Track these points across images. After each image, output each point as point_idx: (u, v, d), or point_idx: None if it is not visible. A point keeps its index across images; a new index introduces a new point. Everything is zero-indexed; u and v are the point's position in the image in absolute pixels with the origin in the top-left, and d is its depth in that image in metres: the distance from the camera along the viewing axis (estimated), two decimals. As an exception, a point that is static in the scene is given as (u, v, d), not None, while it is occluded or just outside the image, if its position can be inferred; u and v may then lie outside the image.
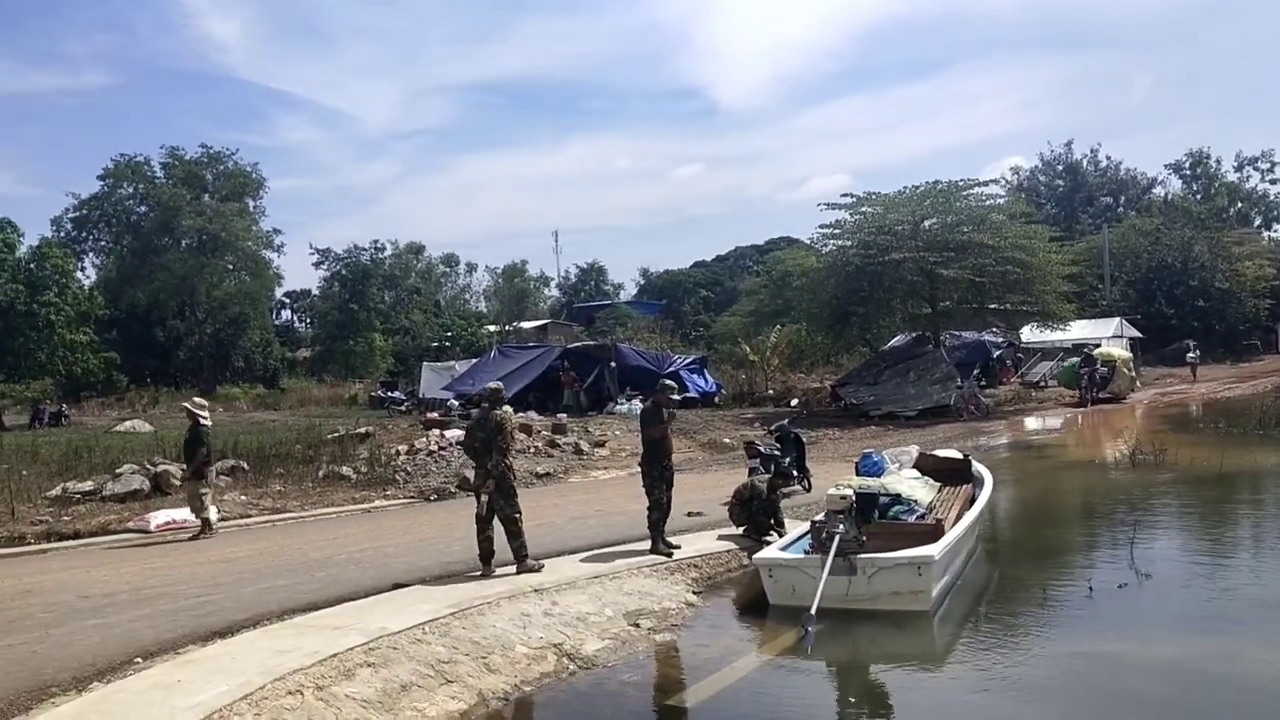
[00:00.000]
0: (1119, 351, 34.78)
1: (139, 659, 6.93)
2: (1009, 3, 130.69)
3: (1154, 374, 40.74)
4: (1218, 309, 47.91)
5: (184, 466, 14.11)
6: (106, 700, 6.05)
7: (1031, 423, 27.48)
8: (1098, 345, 35.70)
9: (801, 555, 8.94)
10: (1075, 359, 33.68)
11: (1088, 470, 18.32)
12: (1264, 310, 50.24)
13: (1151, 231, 51.83)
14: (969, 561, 10.85)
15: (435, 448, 20.60)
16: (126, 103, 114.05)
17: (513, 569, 9.79)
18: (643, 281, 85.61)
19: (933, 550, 8.66)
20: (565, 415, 26.95)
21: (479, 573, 9.74)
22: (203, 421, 13.51)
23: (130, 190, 54.28)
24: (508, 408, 10.36)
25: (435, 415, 28.62)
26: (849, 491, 9.05)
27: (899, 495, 10.43)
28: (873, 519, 9.19)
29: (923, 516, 10.15)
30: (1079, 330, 42.53)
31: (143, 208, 54.30)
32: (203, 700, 5.83)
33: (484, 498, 9.77)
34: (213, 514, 13.42)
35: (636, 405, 30.74)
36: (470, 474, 18.19)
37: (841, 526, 8.72)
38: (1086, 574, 10.50)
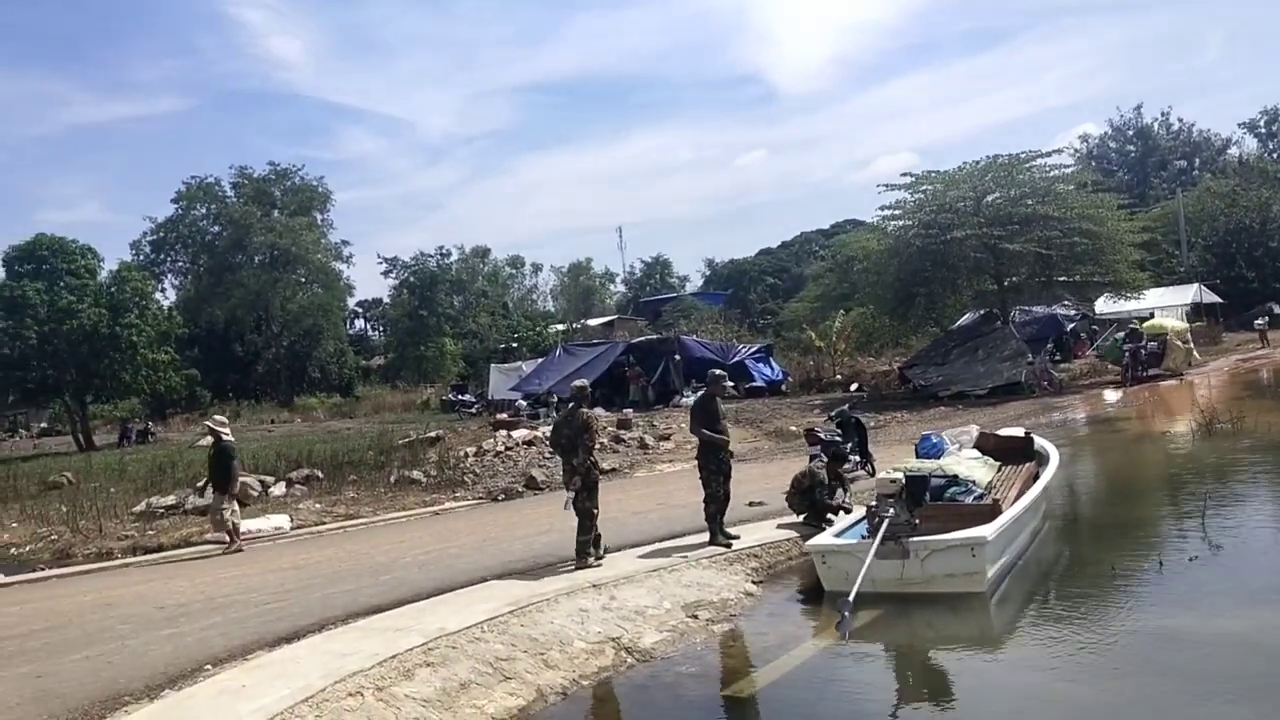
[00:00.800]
0: (1172, 323, 32.10)
1: (209, 666, 7.22)
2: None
3: (1236, 339, 39.40)
4: (1302, 268, 46.22)
5: (222, 482, 13.64)
6: (175, 707, 6.33)
7: (1107, 396, 26.81)
8: (1148, 317, 34.41)
9: (854, 541, 8.91)
10: (1120, 334, 30.81)
11: (1162, 442, 17.87)
12: (1354, 270, 48.33)
13: (1227, 194, 50.11)
14: (1034, 540, 10.70)
15: (502, 448, 20.93)
16: (197, 125, 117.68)
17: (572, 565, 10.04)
18: (708, 272, 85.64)
19: (986, 531, 8.56)
20: (631, 410, 27.08)
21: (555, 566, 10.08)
22: (225, 437, 13.28)
23: (203, 211, 55.95)
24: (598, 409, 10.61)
25: (504, 416, 29.05)
26: (899, 475, 9.01)
27: (956, 476, 10.33)
28: (924, 501, 9.11)
29: (981, 497, 10.03)
30: (1156, 299, 41.46)
31: (215, 227, 55.94)
32: (265, 704, 6.07)
33: (571, 493, 10.09)
34: (245, 523, 13.59)
35: (700, 397, 30.84)
36: (536, 473, 18.79)
37: (892, 510, 8.68)
38: (1158, 549, 10.31)
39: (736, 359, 33.10)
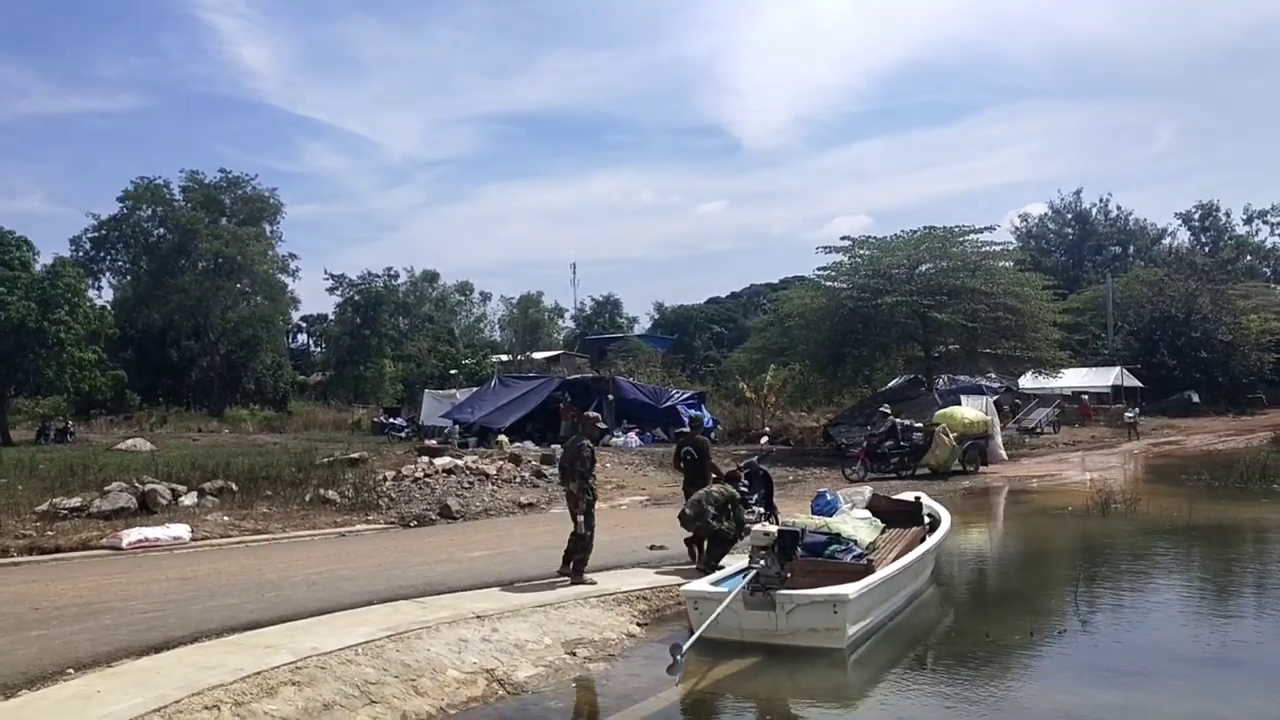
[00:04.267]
0: (972, 414, 26.80)
1: (70, 670, 7.26)
2: (1031, 50, 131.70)
3: (1153, 424, 40.71)
4: (1220, 361, 47.85)
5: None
6: (25, 707, 6.39)
7: (1018, 468, 27.56)
8: (1069, 396, 34.54)
9: (726, 589, 9.21)
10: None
11: (1059, 517, 18.45)
12: (1269, 364, 50.17)
13: (1156, 282, 51.98)
14: (912, 602, 11.08)
15: (421, 474, 20.96)
16: (158, 125, 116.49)
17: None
18: (657, 316, 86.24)
19: (848, 589, 8.92)
20: (559, 447, 27.24)
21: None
22: None
23: (149, 212, 55.29)
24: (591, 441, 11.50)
25: (432, 442, 29.10)
26: (773, 529, 9.35)
27: (839, 534, 10.70)
28: (794, 556, 9.44)
29: (860, 556, 10.40)
30: (1079, 378, 42.78)
31: (160, 230, 55.29)
32: (115, 711, 6.15)
33: (581, 517, 10.96)
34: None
35: (633, 438, 31.14)
36: (452, 502, 18.94)
37: (762, 563, 9.02)
38: (1033, 619, 10.76)
39: (669, 403, 33.53)
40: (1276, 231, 70.83)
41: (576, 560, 11.03)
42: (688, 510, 11.85)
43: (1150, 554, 14.77)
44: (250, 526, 16.43)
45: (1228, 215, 71.99)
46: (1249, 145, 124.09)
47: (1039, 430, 36.63)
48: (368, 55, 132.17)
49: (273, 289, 57.37)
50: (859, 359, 33.09)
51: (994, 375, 37.67)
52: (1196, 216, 72.03)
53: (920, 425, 25.25)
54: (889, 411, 26.12)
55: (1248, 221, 71.88)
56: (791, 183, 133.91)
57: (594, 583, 10.96)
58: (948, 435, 24.66)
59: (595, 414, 12.42)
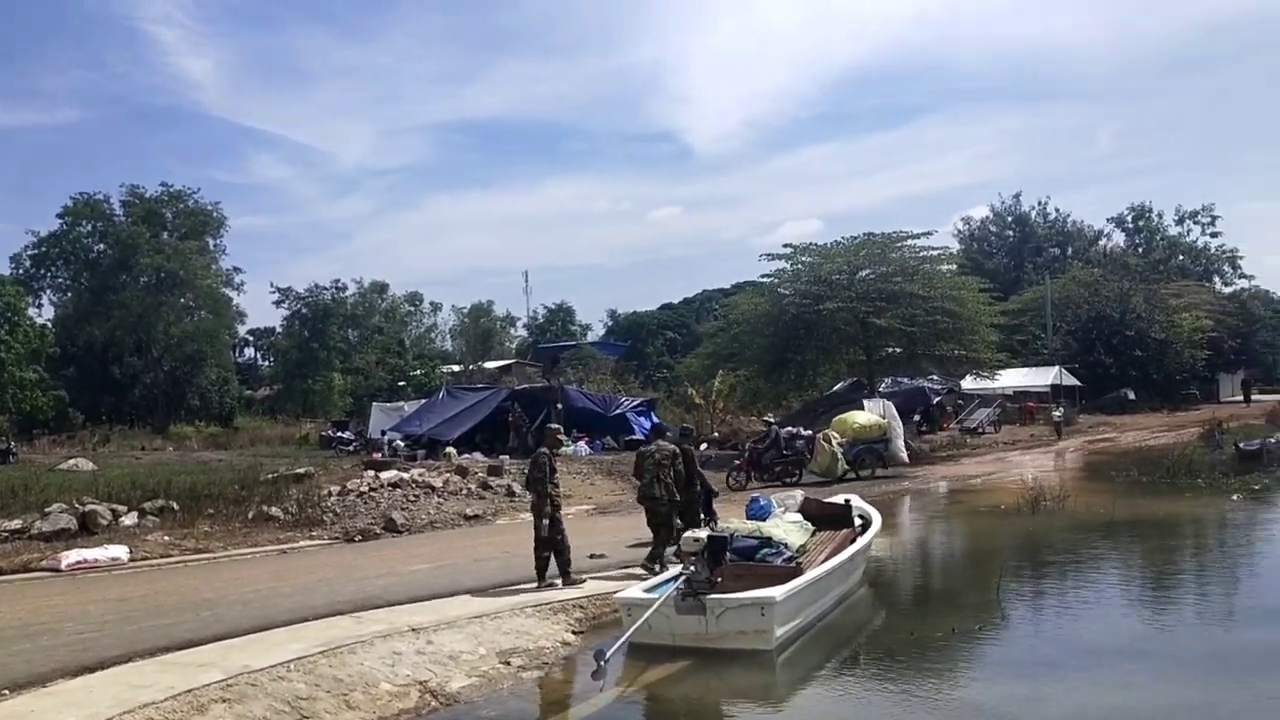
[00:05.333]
0: (863, 418, 26.26)
1: (5, 690, 7.36)
2: (975, 56, 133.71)
3: (1090, 421, 41.74)
4: (1155, 359, 49.18)
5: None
6: (-44, 729, 6.50)
7: (958, 468, 28.19)
8: (1010, 396, 34.39)
9: (658, 596, 9.47)
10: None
11: (991, 516, 18.98)
12: (1200, 360, 51.66)
13: (1091, 283, 53.32)
14: (842, 603, 11.43)
15: (367, 489, 20.97)
16: (100, 138, 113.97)
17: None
18: (610, 323, 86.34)
19: (775, 592, 9.23)
20: (508, 457, 27.41)
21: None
22: None
23: (89, 228, 54.40)
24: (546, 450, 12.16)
25: (379, 456, 29.04)
26: (702, 535, 9.64)
27: (770, 539, 11.04)
28: (724, 561, 9.73)
29: (791, 559, 10.73)
30: (1019, 378, 43.76)
31: (101, 245, 54.41)
32: (46, 730, 6.29)
33: (545, 521, 11.52)
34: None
35: (583, 447, 31.29)
36: (397, 516, 19.01)
37: (692, 568, 9.31)
38: (957, 617, 11.13)
39: (619, 411, 33.75)
40: (1207, 231, 73.36)
41: (562, 563, 11.63)
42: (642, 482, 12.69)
43: (1073, 549, 15.28)
44: (191, 546, 16.36)
45: (1159, 216, 74.41)
46: (1182, 147, 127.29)
47: (980, 430, 37.43)
48: (315, 64, 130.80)
49: (217, 303, 56.64)
50: (803, 363, 33.65)
51: (936, 377, 38.41)
52: (1130, 218, 74.15)
53: (806, 433, 25.29)
54: (772, 420, 26.47)
55: (1179, 222, 74.26)
56: (743, 188, 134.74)
57: (583, 583, 11.68)
58: (829, 442, 24.49)
59: (556, 425, 13.37)
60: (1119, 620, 11.04)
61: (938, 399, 39.09)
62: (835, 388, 37.49)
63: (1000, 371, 37.23)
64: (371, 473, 22.89)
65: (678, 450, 13.16)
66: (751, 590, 9.40)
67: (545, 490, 11.65)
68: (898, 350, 32.93)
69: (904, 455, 26.57)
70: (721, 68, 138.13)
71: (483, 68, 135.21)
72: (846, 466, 24.59)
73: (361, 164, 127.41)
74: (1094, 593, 12.41)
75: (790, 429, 25.45)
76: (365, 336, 67.14)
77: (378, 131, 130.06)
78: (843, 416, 26.64)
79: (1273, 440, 25.96)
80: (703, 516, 15.04)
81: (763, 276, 34.49)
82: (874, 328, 30.25)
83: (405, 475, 22.48)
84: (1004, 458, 30.95)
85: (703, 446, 28.78)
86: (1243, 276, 72.69)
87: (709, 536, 9.68)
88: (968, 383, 40.40)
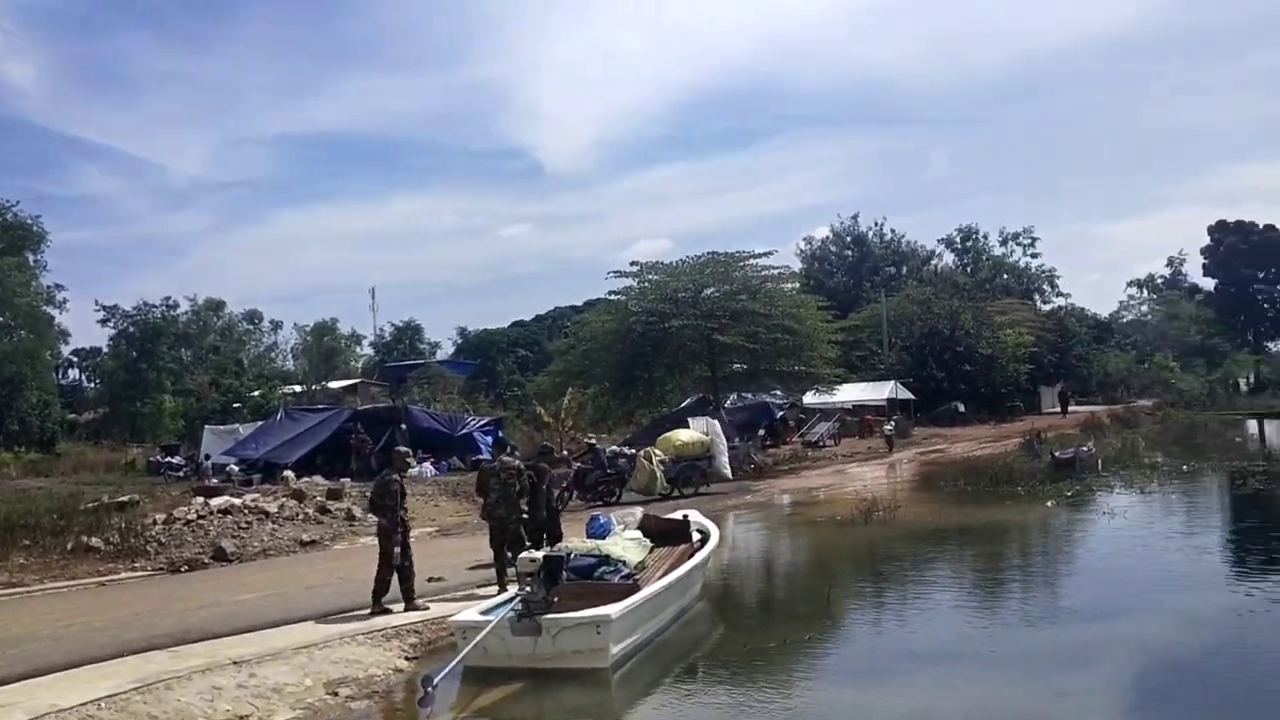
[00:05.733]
0: (685, 435, 26.18)
1: None
2: (818, 80, 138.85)
3: (924, 434, 43.67)
4: (982, 372, 51.85)
5: None
6: None
7: (799, 480, 29.00)
8: (850, 410, 36.34)
9: (493, 618, 9.38)
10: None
11: (828, 527, 19.58)
12: (1023, 374, 54.85)
13: (924, 300, 55.97)
14: (679, 618, 11.56)
15: (195, 516, 20.05)
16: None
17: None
18: (460, 341, 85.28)
19: (611, 610, 9.27)
20: (349, 480, 26.70)
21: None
22: None
23: (-107, 247, 50.33)
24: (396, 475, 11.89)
25: (212, 482, 27.80)
26: (539, 555, 9.61)
27: (608, 556, 11.07)
28: (560, 580, 9.72)
29: (629, 576, 10.80)
30: (857, 393, 45.47)
31: (-92, 264, 50.39)
32: None
33: (397, 549, 11.32)
34: None
35: (428, 468, 30.70)
36: (227, 544, 18.25)
37: (528, 589, 9.26)
38: (788, 628, 11.43)
39: (465, 431, 33.29)
40: (1028, 252, 78.32)
41: (406, 589, 11.38)
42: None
43: (903, 558, 15.94)
44: (4, 580, 15.43)
45: (985, 238, 78.96)
46: (1007, 172, 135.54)
47: (821, 443, 38.57)
48: (144, 72, 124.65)
49: (37, 322, 53.15)
50: (651, 380, 34.08)
51: (779, 392, 39.47)
52: (958, 239, 78.52)
53: (630, 452, 25.28)
54: (594, 440, 26.61)
55: (1003, 243, 79.05)
56: (594, 205, 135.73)
57: (427, 608, 11.40)
58: (649, 460, 24.26)
59: (405, 449, 13.16)
60: (944, 625, 11.54)
61: (781, 413, 40.15)
62: (683, 404, 38.01)
63: (839, 386, 38.67)
64: (201, 499, 21.89)
65: (522, 467, 13.11)
66: (588, 609, 9.40)
67: (397, 516, 11.45)
68: (742, 366, 33.74)
69: (727, 471, 26.56)
70: (571, 85, 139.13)
71: (327, 79, 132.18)
72: (668, 484, 24.39)
73: (198, 177, 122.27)
74: (922, 599, 12.95)
75: (615, 448, 25.41)
76: (199, 356, 64.41)
77: (215, 143, 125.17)
78: (666, 435, 26.63)
79: (1084, 449, 27.85)
80: (545, 536, 15.13)
81: (611, 294, 34.81)
82: (719, 345, 30.93)
83: (238, 501, 21.59)
84: (843, 470, 31.99)
85: (576, 465, 28.67)
86: (1060, 295, 78.05)
87: (545, 556, 9.66)
88: (809, 397, 41.69)
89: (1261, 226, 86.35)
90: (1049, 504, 20.56)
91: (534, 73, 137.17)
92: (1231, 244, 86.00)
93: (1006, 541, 18.05)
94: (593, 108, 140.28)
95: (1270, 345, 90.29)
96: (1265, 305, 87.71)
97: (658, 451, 24.87)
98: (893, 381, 47.48)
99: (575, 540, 12.22)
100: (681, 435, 26.27)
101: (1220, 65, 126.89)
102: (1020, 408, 54.92)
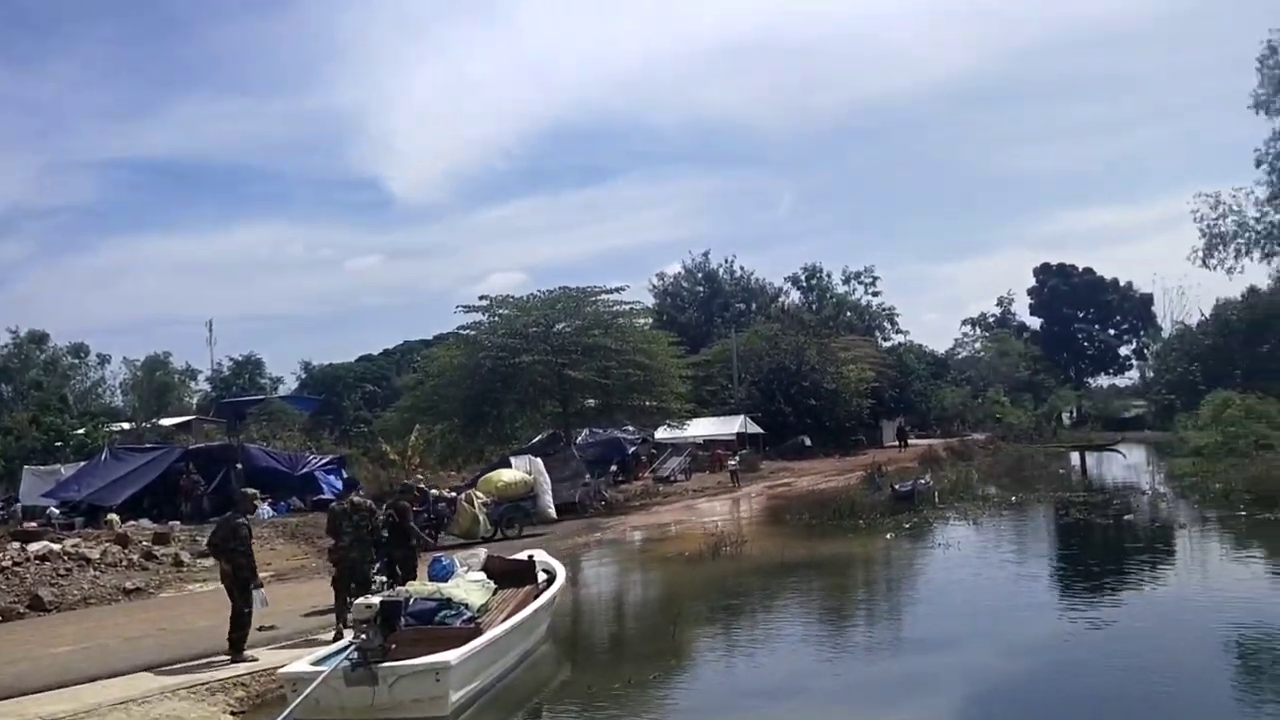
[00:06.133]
0: (508, 475, 25.16)
1: None
2: (667, 119, 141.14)
3: (771, 467, 44.59)
4: (827, 407, 53.42)
5: None
6: None
7: (650, 516, 29.14)
8: (702, 445, 36.68)
9: (325, 668, 9.00)
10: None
11: (677, 563, 19.70)
12: (865, 409, 56.83)
13: (771, 337, 57.44)
14: (525, 661, 11.36)
15: (10, 563, 18.71)
16: None
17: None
18: (304, 375, 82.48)
19: (450, 656, 9.03)
20: (179, 523, 25.40)
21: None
22: None
23: None
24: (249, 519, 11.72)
25: (32, 525, 25.98)
26: (375, 601, 9.29)
27: (450, 600, 10.78)
28: (398, 626, 9.42)
29: (472, 619, 10.54)
30: (708, 427, 46.13)
31: None
32: None
33: (260, 591, 11.05)
34: None
35: (265, 509, 29.41)
36: (44, 592, 17.08)
37: (364, 636, 8.92)
38: (635, 666, 11.39)
39: (306, 470, 32.16)
40: (869, 291, 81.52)
41: (234, 638, 10.88)
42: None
43: (749, 591, 16.19)
44: None
45: (829, 276, 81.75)
46: (850, 213, 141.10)
47: (673, 478, 38.84)
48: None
49: None
50: (501, 416, 33.71)
51: (631, 427, 39.64)
52: (804, 277, 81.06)
53: (450, 494, 24.39)
54: (415, 480, 25.76)
55: (845, 282, 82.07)
56: (447, 238, 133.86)
57: (255, 659, 10.88)
58: (471, 503, 23.26)
59: (252, 490, 12.77)
60: (790, 659, 11.74)
61: (633, 449, 40.31)
62: (533, 440, 37.70)
63: (690, 421, 39.07)
64: (17, 545, 20.42)
65: (374, 506, 12.71)
66: (427, 655, 9.12)
67: (249, 561, 11.14)
68: (594, 402, 33.73)
69: (551, 511, 25.66)
70: (423, 116, 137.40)
71: (164, 103, 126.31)
72: (490, 527, 23.36)
73: (19, 203, 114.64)
74: (768, 633, 13.17)
75: (436, 490, 24.39)
76: (20, 392, 60.33)
77: (39, 166, 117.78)
78: (488, 475, 25.59)
79: (922, 482, 29.01)
80: (385, 579, 14.64)
81: (460, 329, 34.36)
82: (570, 380, 30.87)
83: (56, 547, 20.24)
84: (693, 505, 32.32)
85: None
86: (899, 332, 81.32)
87: (381, 601, 9.34)
88: (661, 432, 42.02)
89: (1081, 269, 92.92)
90: (889, 536, 21.26)
91: (386, 102, 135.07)
92: (1054, 285, 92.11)
93: (850, 574, 18.54)
94: (446, 140, 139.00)
95: (1090, 381, 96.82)
96: (1085, 343, 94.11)
97: (479, 494, 23.97)
98: (743, 416, 48.33)
99: (415, 584, 11.87)
100: (504, 475, 25.24)
101: (1039, 115, 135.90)
102: (863, 441, 56.75)
